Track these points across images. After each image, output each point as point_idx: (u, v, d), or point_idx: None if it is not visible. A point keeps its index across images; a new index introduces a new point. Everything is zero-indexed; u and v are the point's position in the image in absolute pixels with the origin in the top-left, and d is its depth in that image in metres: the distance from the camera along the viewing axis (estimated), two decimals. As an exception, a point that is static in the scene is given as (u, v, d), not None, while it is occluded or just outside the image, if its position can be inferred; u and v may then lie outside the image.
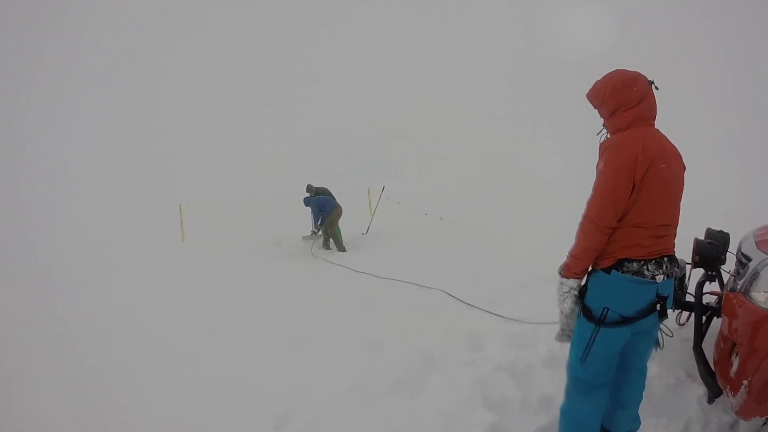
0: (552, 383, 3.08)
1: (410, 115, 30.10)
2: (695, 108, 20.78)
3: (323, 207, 10.24)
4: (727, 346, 2.50)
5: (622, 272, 2.20)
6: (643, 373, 2.50)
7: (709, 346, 2.85)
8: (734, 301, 2.54)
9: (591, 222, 2.19)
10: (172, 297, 6.34)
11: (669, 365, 3.07)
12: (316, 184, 11.20)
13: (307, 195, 10.90)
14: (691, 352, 2.85)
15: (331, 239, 10.41)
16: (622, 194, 2.13)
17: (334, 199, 10.63)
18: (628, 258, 2.20)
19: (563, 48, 32.24)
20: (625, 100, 2.24)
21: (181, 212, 12.44)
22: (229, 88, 31.68)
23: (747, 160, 15.33)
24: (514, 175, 20.10)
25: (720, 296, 3.01)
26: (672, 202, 2.27)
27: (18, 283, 7.18)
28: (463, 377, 3.12)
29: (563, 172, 18.53)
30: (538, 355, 3.35)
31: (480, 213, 13.02)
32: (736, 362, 2.35)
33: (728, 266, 3.15)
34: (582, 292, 2.35)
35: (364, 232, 11.51)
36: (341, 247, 10.08)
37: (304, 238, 10.89)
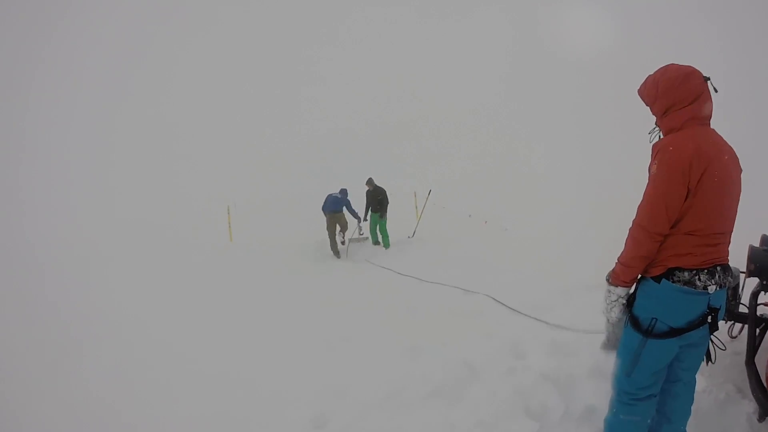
0: (596, 394, 3.00)
1: (410, 115, 29.95)
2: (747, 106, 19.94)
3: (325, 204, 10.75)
4: None
5: (672, 281, 2.09)
6: (691, 386, 2.39)
7: (762, 360, 2.71)
8: (791, 312, 2.43)
9: (641, 229, 2.09)
10: (217, 297, 6.63)
11: (718, 380, 2.92)
12: (375, 181, 11.49)
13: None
14: (743, 367, 2.71)
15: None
16: (675, 200, 2.01)
17: (340, 202, 10.89)
18: (680, 267, 2.10)
19: (563, 48, 31.48)
20: (678, 98, 2.12)
21: (229, 213, 12.79)
22: (228, 89, 32.20)
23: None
24: (529, 176, 19.68)
25: (777, 307, 2.86)
26: (728, 207, 2.14)
27: (65, 281, 7.60)
28: (504, 386, 3.09)
29: (579, 172, 18.07)
30: (582, 364, 3.26)
31: (512, 216, 12.77)
32: None
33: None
34: (630, 300, 2.26)
35: (410, 236, 11.55)
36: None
37: (351, 239, 11.13)
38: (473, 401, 3.03)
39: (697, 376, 2.41)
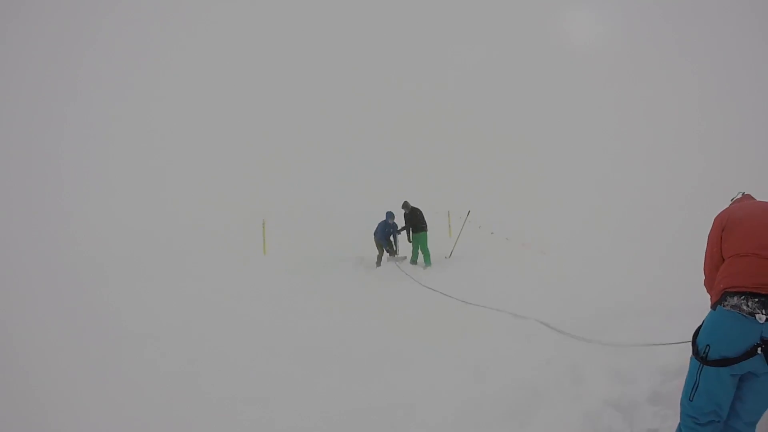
0: (656, 417, 3.26)
1: (410, 115, 29.94)
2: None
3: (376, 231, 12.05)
4: None
5: (723, 306, 2.35)
6: (751, 428, 2.51)
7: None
8: None
9: None
10: (268, 311, 7.01)
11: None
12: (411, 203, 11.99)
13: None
14: None
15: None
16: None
17: (389, 228, 12.01)
18: (730, 290, 2.34)
19: (564, 47, 31.21)
20: None
21: (264, 227, 13.05)
22: (227, 89, 32.47)
23: None
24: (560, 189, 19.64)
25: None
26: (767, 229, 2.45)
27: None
28: (571, 410, 3.36)
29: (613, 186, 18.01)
30: (642, 391, 3.51)
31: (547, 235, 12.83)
32: None
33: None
34: (697, 330, 2.54)
35: (447, 256, 11.80)
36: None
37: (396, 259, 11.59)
38: (544, 424, 3.31)
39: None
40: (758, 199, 2.88)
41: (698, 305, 3.13)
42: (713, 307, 2.44)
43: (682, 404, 2.56)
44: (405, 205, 11.70)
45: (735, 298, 2.31)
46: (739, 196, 3.00)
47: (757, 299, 2.25)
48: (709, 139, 18.62)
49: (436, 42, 36.68)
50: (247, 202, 18.89)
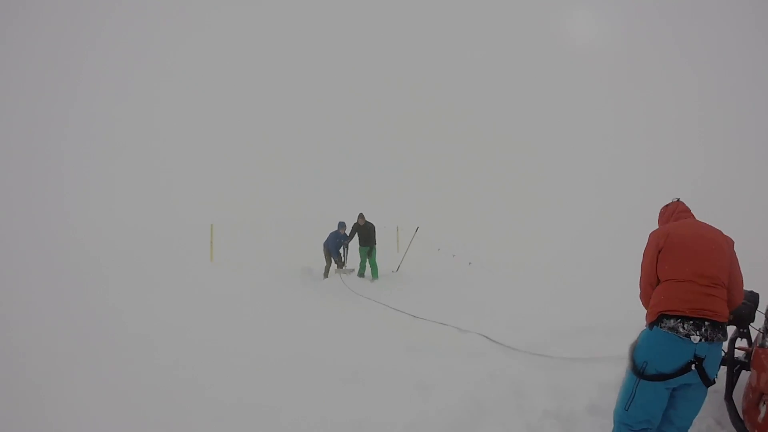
0: (594, 426, 3.39)
1: (410, 115, 30.32)
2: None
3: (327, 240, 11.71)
4: (755, 396, 2.82)
5: (660, 327, 2.54)
6: None
7: (738, 396, 3.13)
8: (762, 356, 2.87)
9: None
10: (213, 319, 6.83)
11: (700, 414, 3.32)
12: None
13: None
14: (721, 402, 3.14)
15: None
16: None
17: (336, 234, 11.75)
18: (667, 312, 2.53)
19: (563, 47, 32.41)
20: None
21: (212, 232, 12.70)
22: (226, 90, 32.08)
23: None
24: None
25: (749, 351, 3.32)
26: (702, 257, 2.64)
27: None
28: (514, 422, 3.44)
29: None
30: (581, 403, 3.64)
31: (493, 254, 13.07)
32: (763, 410, 2.67)
33: (757, 324, 3.46)
34: (634, 344, 2.71)
35: (395, 270, 11.86)
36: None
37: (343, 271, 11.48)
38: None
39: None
40: (692, 212, 3.08)
41: (635, 326, 3.32)
42: (649, 326, 2.63)
43: (616, 413, 2.73)
44: (361, 216, 11.65)
45: (672, 321, 2.51)
46: (675, 201, 3.17)
47: (691, 322, 2.49)
48: (708, 139, 19.32)
49: (436, 42, 37.03)
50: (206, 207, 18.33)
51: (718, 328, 2.52)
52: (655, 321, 2.58)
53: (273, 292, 9.11)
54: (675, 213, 3.07)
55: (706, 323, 2.49)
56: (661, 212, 3.23)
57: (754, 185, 15.52)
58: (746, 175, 16.43)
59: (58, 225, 12.49)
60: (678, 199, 3.18)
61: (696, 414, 2.69)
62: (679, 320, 2.49)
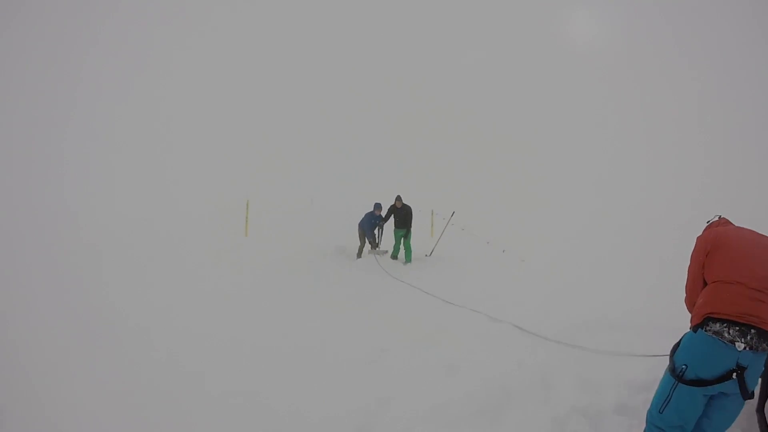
0: (622, 427, 3.34)
1: (410, 115, 30.06)
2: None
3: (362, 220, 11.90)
4: None
5: (705, 331, 2.46)
6: None
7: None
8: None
9: None
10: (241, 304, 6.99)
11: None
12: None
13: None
14: (752, 413, 3.05)
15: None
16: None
17: (372, 215, 11.88)
18: (713, 315, 2.45)
19: (563, 47, 31.60)
20: None
21: (247, 208, 12.96)
22: (225, 91, 32.30)
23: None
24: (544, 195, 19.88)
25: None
26: (751, 260, 2.57)
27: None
28: (540, 413, 3.44)
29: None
30: (609, 401, 3.59)
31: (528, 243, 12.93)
32: None
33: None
34: (675, 346, 2.64)
35: (428, 254, 11.87)
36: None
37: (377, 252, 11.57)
38: (512, 424, 3.38)
39: None
40: (736, 224, 2.99)
41: (669, 326, 3.24)
42: (694, 329, 2.54)
43: (650, 414, 2.67)
44: (398, 199, 11.68)
45: (717, 325, 2.42)
46: (716, 219, 3.10)
47: (738, 327, 2.38)
48: (708, 139, 18.88)
49: (436, 42, 36.72)
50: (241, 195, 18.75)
51: (765, 336, 2.39)
52: (700, 324, 2.50)
53: (306, 270, 9.36)
54: (720, 226, 3.02)
55: (752, 330, 2.38)
56: (705, 229, 3.18)
57: (755, 185, 15.10)
58: (747, 175, 16.00)
59: (61, 222, 12.77)
60: (720, 216, 3.14)
61: (729, 426, 2.62)
62: (725, 324, 2.40)
